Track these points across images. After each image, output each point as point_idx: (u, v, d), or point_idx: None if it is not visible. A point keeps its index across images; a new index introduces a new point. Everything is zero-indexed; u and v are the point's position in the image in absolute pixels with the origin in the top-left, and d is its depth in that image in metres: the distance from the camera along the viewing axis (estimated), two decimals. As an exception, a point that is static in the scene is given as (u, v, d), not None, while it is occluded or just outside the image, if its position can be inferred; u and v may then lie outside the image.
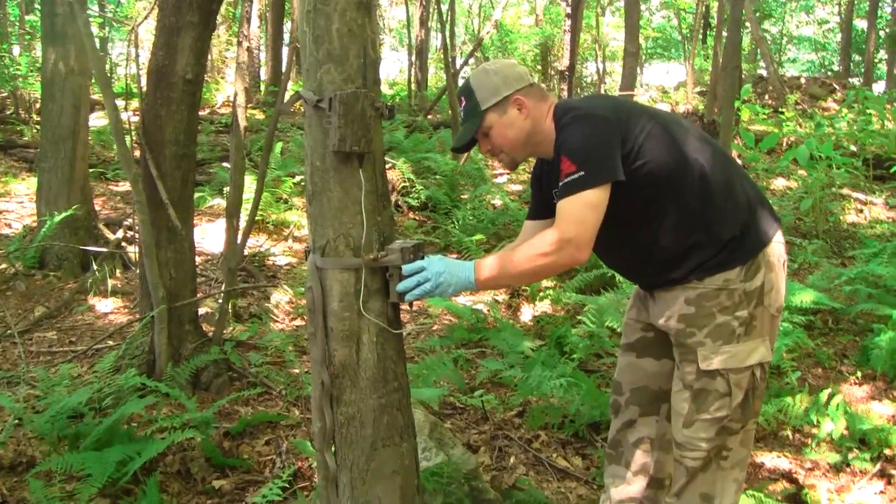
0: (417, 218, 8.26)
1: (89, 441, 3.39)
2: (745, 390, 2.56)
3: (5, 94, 13.67)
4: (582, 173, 2.39)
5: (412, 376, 4.37)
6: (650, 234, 2.59)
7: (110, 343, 5.03)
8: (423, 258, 2.56)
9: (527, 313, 6.08)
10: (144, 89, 4.38)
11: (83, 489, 3.10)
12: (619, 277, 5.93)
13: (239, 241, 5.10)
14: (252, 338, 5.37)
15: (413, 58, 20.77)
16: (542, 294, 6.03)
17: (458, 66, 13.64)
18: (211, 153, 9.98)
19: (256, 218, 7.67)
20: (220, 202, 8.08)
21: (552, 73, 19.03)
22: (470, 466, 3.26)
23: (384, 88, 21.75)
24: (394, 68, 30.74)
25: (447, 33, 9.85)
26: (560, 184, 2.44)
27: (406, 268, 2.49)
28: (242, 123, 5.41)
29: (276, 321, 5.74)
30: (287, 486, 3.29)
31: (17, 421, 3.71)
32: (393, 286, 2.53)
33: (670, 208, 2.55)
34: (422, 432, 3.38)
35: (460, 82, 9.59)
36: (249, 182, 7.90)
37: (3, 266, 6.63)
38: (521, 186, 9.44)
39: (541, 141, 2.66)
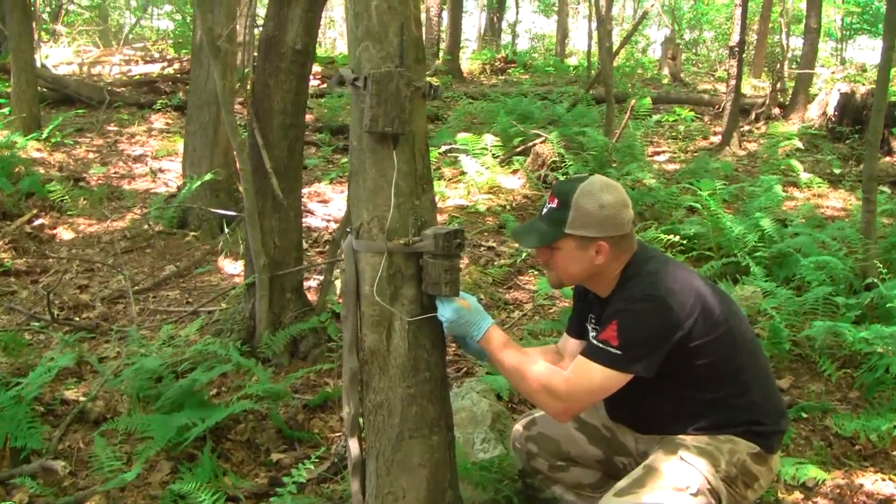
0: (564, 195, 8.11)
1: (160, 404, 3.54)
2: None
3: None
4: (619, 353, 2.33)
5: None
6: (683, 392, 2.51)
7: (223, 306, 5.24)
8: (460, 246, 2.50)
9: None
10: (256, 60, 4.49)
11: (142, 451, 3.25)
12: (753, 270, 5.63)
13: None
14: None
15: (594, 27, 20.34)
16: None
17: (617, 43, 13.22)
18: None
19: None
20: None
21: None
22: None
23: (574, 61, 21.44)
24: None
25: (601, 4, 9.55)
26: (596, 341, 2.38)
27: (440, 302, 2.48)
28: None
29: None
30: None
31: (112, 378, 3.93)
32: (426, 273, 2.49)
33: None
34: (484, 422, 3.35)
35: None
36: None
37: (149, 224, 7.05)
38: (677, 166, 9.12)
39: (599, 282, 2.56)
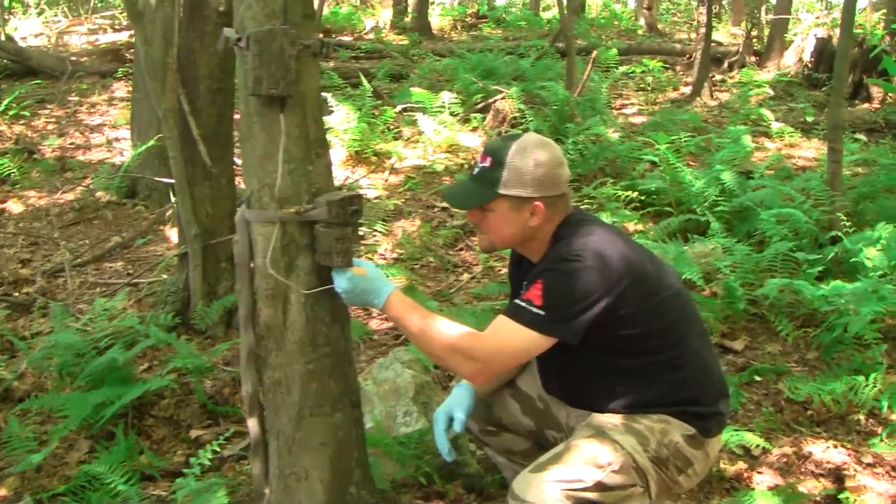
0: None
1: (80, 381, 3.45)
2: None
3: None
4: (542, 314, 2.20)
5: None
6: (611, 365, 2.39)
7: (163, 276, 5.13)
8: (356, 213, 2.38)
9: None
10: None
11: (55, 430, 3.15)
12: (713, 226, 5.51)
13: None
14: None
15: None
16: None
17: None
18: (330, 81, 9.97)
19: (355, 149, 7.71)
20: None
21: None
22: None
23: (549, 15, 21.11)
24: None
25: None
26: (519, 300, 2.25)
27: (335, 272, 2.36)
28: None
29: (340, 259, 5.65)
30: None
31: (37, 355, 3.82)
32: (318, 243, 2.37)
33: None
34: (406, 394, 3.25)
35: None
36: (347, 111, 7.87)
37: (99, 194, 6.90)
38: (644, 119, 8.99)
39: (532, 245, 2.43)
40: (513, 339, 2.23)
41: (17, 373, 3.78)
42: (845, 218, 5.37)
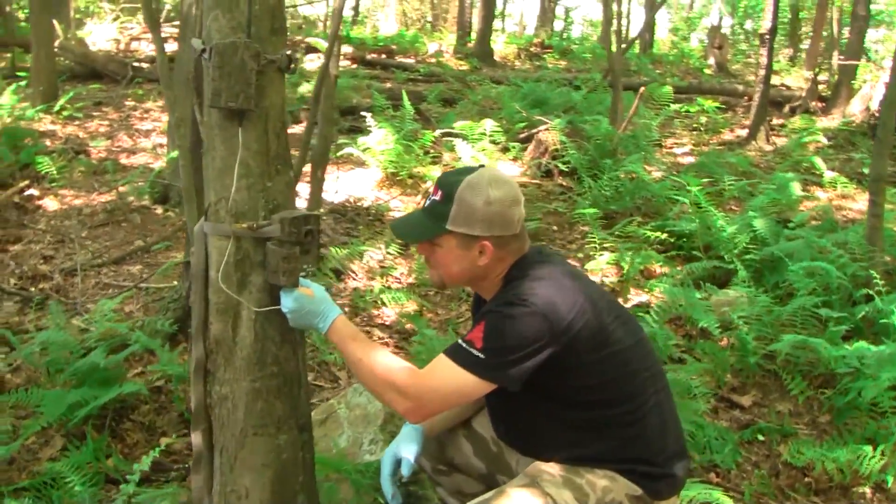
0: (563, 184, 7.95)
1: (63, 379, 3.49)
2: None
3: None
4: (481, 357, 2.12)
5: (413, 354, 4.23)
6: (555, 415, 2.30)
7: (175, 283, 5.17)
8: (310, 233, 2.36)
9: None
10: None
11: (27, 425, 3.19)
12: (740, 274, 5.37)
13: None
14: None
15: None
16: (652, 283, 5.57)
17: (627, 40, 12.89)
18: (375, 101, 10.06)
19: (391, 170, 7.72)
20: (352, 151, 8.11)
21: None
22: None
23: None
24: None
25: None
26: (461, 340, 2.18)
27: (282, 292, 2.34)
28: (333, 72, 5.34)
29: (353, 279, 5.68)
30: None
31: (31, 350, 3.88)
32: (266, 261, 2.35)
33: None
34: (375, 422, 3.21)
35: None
36: (386, 133, 7.91)
37: (130, 198, 7.03)
38: (693, 159, 8.86)
39: (483, 285, 2.38)
40: (448, 379, 2.16)
41: (11, 366, 3.83)
42: (879, 277, 5.17)
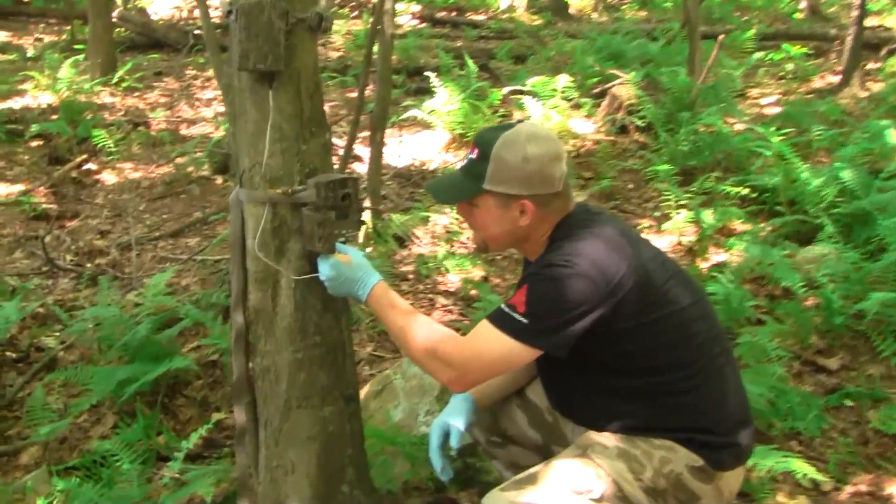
0: (639, 140, 7.83)
1: (112, 356, 3.57)
2: None
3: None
4: (525, 322, 2.08)
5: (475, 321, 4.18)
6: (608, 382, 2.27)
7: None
8: (347, 196, 2.36)
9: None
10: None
11: (76, 403, 3.28)
12: (826, 229, 5.22)
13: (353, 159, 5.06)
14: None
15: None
16: (732, 241, 5.46)
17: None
18: (442, 60, 10.02)
19: (458, 132, 7.71)
20: (416, 113, 8.10)
21: None
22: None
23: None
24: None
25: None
26: (504, 305, 2.15)
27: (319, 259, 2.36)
28: (389, 30, 5.31)
29: (418, 245, 5.69)
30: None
31: (81, 326, 3.99)
32: (302, 227, 2.37)
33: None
34: (431, 392, 3.23)
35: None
36: (450, 92, 7.88)
37: (190, 169, 7.15)
38: (779, 109, 8.61)
39: (527, 247, 2.34)
40: (491, 346, 2.14)
41: (65, 343, 3.94)
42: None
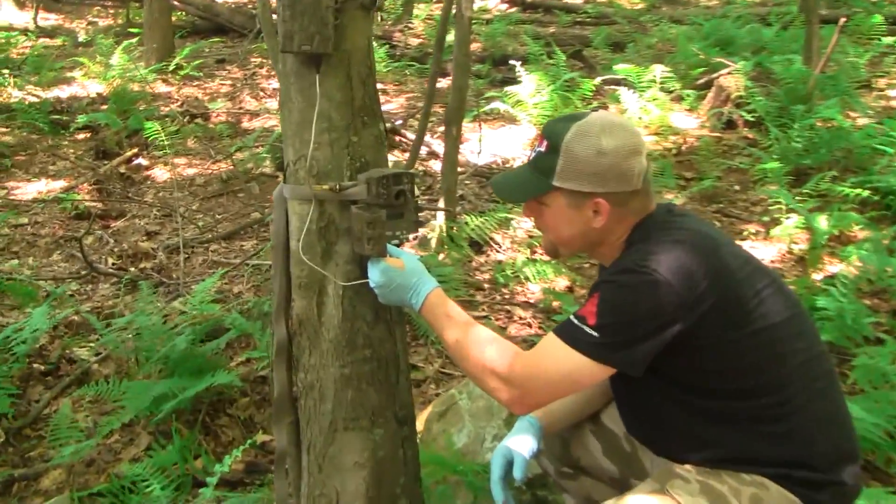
0: (748, 136, 7.69)
1: (144, 369, 3.60)
2: None
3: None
4: (595, 335, 2.02)
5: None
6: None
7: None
8: (401, 194, 2.33)
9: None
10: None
11: (106, 422, 3.30)
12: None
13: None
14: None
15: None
16: (850, 249, 5.30)
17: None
18: (531, 49, 9.98)
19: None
20: (499, 105, 8.07)
21: None
22: (535, 470, 2.97)
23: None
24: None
25: None
26: (573, 317, 2.09)
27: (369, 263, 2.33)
28: (467, 13, 5.29)
29: (497, 250, 5.66)
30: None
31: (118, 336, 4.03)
32: (354, 227, 2.34)
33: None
34: (499, 415, 3.18)
35: None
36: (537, 82, 7.85)
37: (250, 165, 7.22)
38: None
39: (602, 251, 2.29)
40: (557, 363, 2.08)
41: (99, 356, 3.98)
42: None
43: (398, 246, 2.36)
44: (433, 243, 5.53)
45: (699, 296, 2.01)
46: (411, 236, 2.43)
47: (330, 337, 2.41)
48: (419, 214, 2.48)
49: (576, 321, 2.06)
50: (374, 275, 2.30)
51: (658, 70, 8.17)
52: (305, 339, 2.45)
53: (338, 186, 2.33)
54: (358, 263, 2.38)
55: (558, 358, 2.08)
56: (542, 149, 2.21)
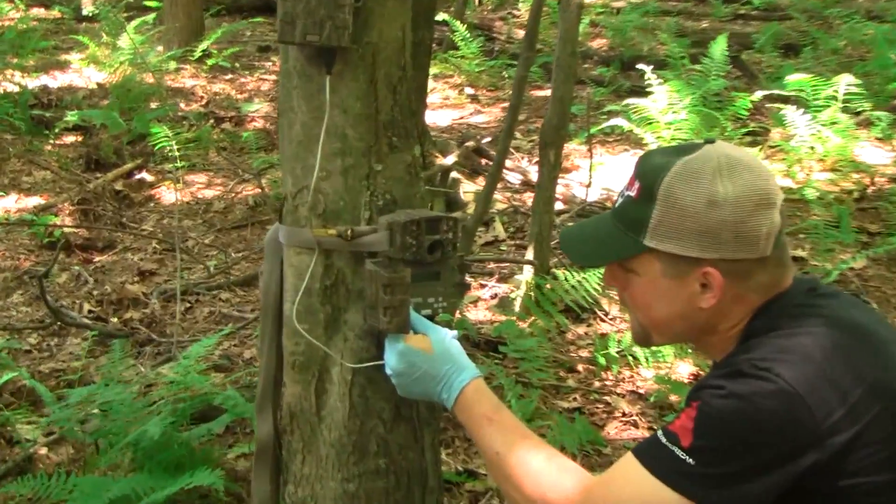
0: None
1: (104, 460, 3.57)
2: None
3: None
4: (689, 463, 1.90)
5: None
6: None
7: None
8: (437, 246, 2.25)
9: None
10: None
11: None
12: None
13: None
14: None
15: None
16: None
17: None
18: (679, 47, 9.95)
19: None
20: (621, 122, 8.01)
21: None
22: None
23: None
24: None
25: None
26: (660, 432, 1.98)
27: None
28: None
29: (602, 320, 5.61)
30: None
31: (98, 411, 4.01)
32: (367, 289, 2.25)
33: None
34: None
35: None
36: (674, 97, 7.76)
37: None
38: None
39: (711, 341, 2.17)
40: (634, 493, 1.96)
41: (53, 436, 3.97)
42: None
43: (430, 319, 2.27)
44: (516, 305, 5.46)
45: (844, 416, 1.87)
46: (445, 304, 2.34)
47: (332, 439, 2.36)
48: (464, 276, 2.39)
49: (664, 440, 1.93)
50: (391, 359, 2.22)
51: (843, 83, 8.03)
52: (298, 439, 2.40)
53: (350, 232, 2.25)
54: (375, 339, 2.30)
55: (637, 488, 1.96)
56: (633, 193, 2.07)
